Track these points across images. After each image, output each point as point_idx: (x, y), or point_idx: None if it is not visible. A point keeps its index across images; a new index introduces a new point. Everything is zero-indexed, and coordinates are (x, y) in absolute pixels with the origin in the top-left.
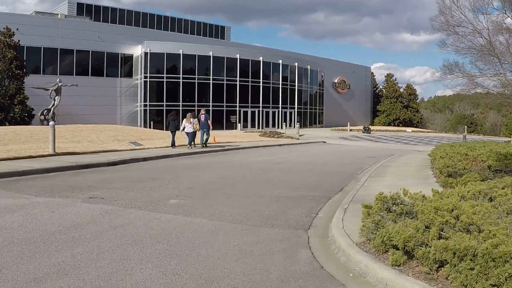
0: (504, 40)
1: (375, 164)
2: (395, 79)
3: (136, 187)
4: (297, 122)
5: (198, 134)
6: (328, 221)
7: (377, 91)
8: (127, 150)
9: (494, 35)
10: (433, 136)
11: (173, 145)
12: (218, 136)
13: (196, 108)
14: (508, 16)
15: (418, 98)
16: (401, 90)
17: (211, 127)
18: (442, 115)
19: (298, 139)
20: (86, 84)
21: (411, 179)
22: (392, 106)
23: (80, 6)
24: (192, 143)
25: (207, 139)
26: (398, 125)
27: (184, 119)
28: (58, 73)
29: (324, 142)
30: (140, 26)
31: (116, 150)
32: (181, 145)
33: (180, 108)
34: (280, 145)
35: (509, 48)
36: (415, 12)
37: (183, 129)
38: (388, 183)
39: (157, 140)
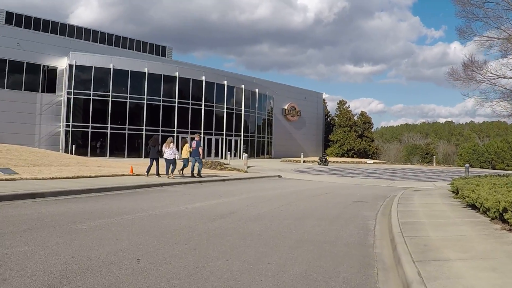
0: None
1: (379, 216)
2: (348, 106)
3: None
4: (243, 152)
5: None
6: None
7: (328, 119)
8: None
9: None
10: (401, 168)
11: (148, 172)
12: (146, 166)
13: (127, 132)
14: None
15: (373, 127)
16: (355, 118)
17: (201, 154)
18: (393, 145)
19: (246, 171)
20: (0, 97)
21: None
22: (345, 136)
23: (9, 15)
24: (181, 171)
25: (199, 169)
26: (352, 156)
27: (164, 144)
28: None
29: (279, 176)
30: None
31: None
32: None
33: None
34: (224, 180)
35: None
36: (358, 43)
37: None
38: None
39: (54, 167)
